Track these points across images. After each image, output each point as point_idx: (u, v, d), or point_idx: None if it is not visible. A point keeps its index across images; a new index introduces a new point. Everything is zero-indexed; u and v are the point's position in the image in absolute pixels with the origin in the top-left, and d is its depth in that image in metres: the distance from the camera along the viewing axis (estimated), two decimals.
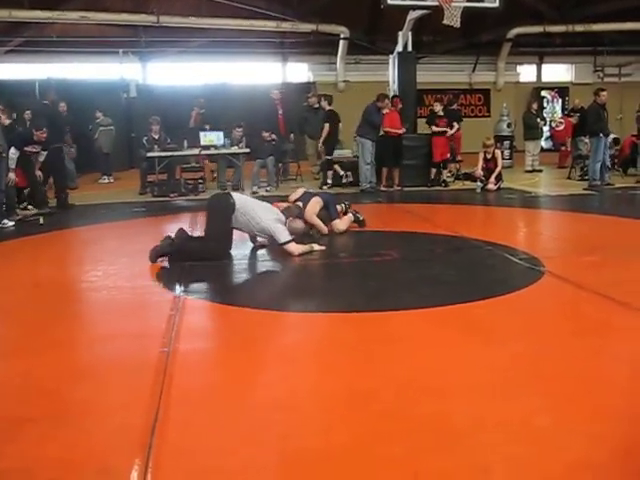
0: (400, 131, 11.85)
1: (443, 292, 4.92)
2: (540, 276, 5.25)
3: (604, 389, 3.11)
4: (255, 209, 6.16)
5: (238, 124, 12.64)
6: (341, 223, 7.37)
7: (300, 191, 7.50)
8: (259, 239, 6.62)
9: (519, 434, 2.66)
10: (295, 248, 6.11)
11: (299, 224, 6.76)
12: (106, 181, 14.54)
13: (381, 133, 11.96)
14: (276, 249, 6.32)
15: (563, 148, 16.12)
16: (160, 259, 5.93)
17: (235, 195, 6.32)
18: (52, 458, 2.56)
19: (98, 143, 14.37)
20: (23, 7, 15.45)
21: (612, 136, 12.99)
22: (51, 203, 10.01)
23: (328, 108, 13.02)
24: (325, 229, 7.18)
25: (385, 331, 4.09)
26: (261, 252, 6.68)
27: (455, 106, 14.78)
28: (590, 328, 4.06)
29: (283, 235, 6.11)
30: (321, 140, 12.75)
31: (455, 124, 13.17)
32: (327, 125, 12.55)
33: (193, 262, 5.87)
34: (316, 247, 6.34)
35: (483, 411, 2.86)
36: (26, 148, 9.26)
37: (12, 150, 8.81)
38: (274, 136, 12.25)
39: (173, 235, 6.20)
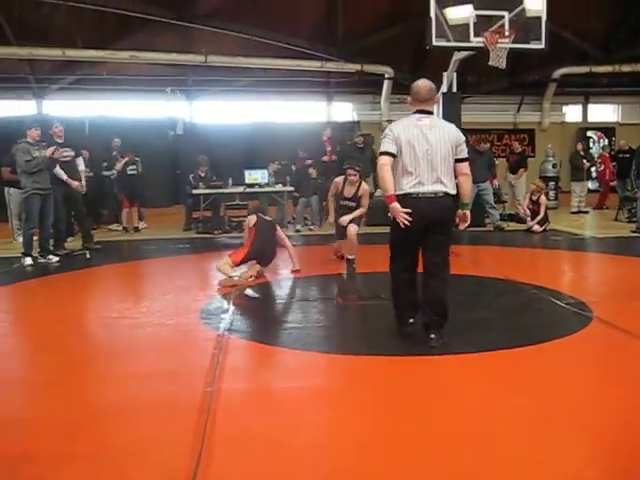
0: None
1: (488, 337, 4.83)
2: (588, 322, 5.14)
3: None
4: None
5: (273, 159, 12.88)
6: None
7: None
8: None
9: None
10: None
11: None
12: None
13: None
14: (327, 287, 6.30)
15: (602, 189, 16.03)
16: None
17: None
18: None
19: None
20: (76, 46, 15.91)
21: None
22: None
23: None
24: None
25: (427, 376, 4.04)
26: (309, 292, 6.71)
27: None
28: None
29: None
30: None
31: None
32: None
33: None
34: None
35: (526, 462, 2.78)
36: (71, 182, 9.42)
37: (57, 169, 9.16)
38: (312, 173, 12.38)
39: None
